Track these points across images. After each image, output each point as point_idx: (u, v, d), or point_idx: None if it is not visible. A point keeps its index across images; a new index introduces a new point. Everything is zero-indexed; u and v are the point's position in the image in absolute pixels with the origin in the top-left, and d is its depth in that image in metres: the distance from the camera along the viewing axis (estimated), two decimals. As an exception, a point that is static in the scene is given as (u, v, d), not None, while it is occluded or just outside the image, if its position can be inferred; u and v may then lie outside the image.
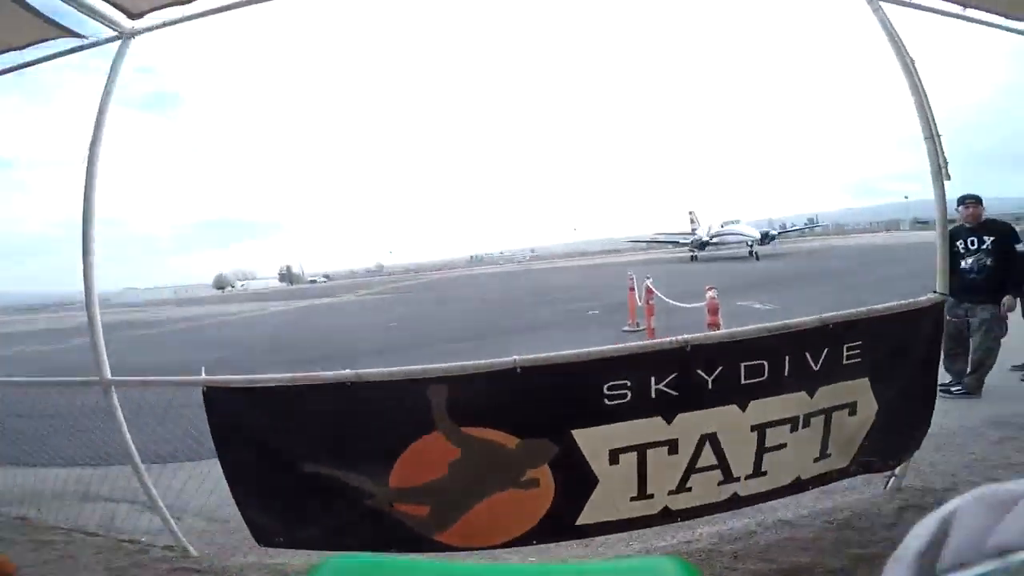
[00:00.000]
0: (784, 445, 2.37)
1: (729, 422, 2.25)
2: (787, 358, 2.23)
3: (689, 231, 38.04)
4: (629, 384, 2.11)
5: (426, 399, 2.15)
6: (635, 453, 2.24)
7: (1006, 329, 4.46)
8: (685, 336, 2.08)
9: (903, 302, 2.40)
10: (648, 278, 8.15)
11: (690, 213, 39.80)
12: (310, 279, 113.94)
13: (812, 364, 2.28)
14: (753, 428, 2.30)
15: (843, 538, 2.51)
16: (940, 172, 2.36)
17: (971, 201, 4.54)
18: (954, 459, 3.28)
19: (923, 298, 2.44)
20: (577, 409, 2.20)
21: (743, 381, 2.20)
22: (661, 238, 44.10)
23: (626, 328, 9.95)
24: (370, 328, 14.91)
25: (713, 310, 5.21)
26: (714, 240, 33.15)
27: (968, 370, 4.41)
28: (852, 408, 2.45)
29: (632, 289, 10.01)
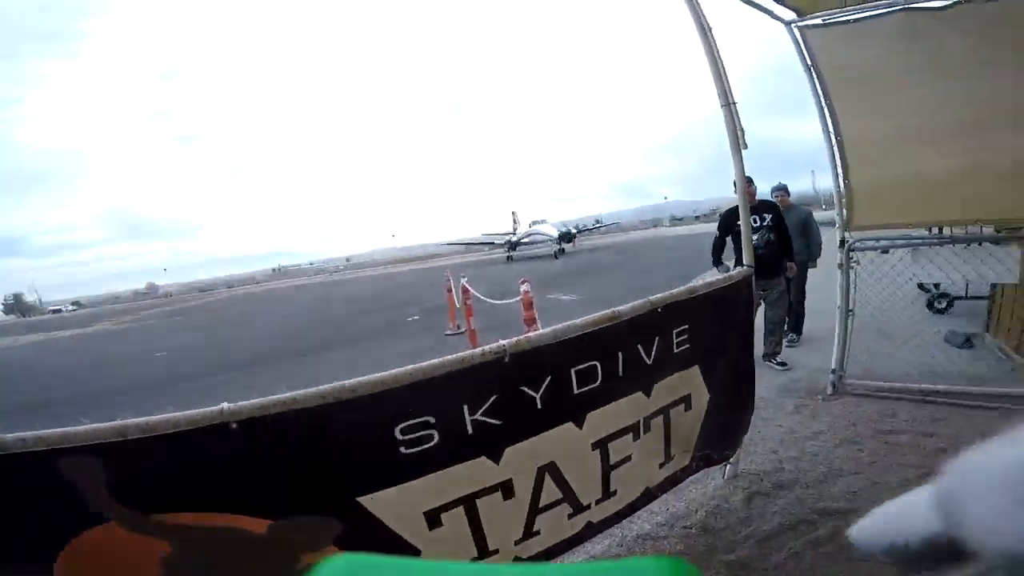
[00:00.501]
0: (629, 457, 2.02)
1: (567, 445, 1.79)
2: (620, 355, 1.85)
3: (512, 231, 39.08)
4: (434, 421, 1.46)
5: (68, 480, 1.21)
6: (462, 507, 1.63)
7: None
8: (503, 343, 1.52)
9: (719, 277, 2.25)
10: (463, 277, 7.73)
11: (513, 213, 40.94)
12: (52, 309, 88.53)
13: (645, 357, 1.94)
14: (595, 446, 1.89)
15: (708, 544, 2.32)
16: (738, 141, 2.26)
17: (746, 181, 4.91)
18: (768, 435, 3.42)
19: (735, 272, 2.34)
20: (359, 467, 1.47)
21: (576, 391, 1.74)
22: (477, 240, 44.96)
23: (448, 331, 9.47)
24: (126, 361, 11.67)
25: (528, 304, 4.96)
26: (525, 240, 34.87)
27: (774, 341, 4.87)
28: (687, 402, 2.23)
29: (450, 291, 9.55)
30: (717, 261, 5.22)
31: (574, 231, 34.62)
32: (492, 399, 1.53)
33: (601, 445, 1.92)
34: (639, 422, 2.03)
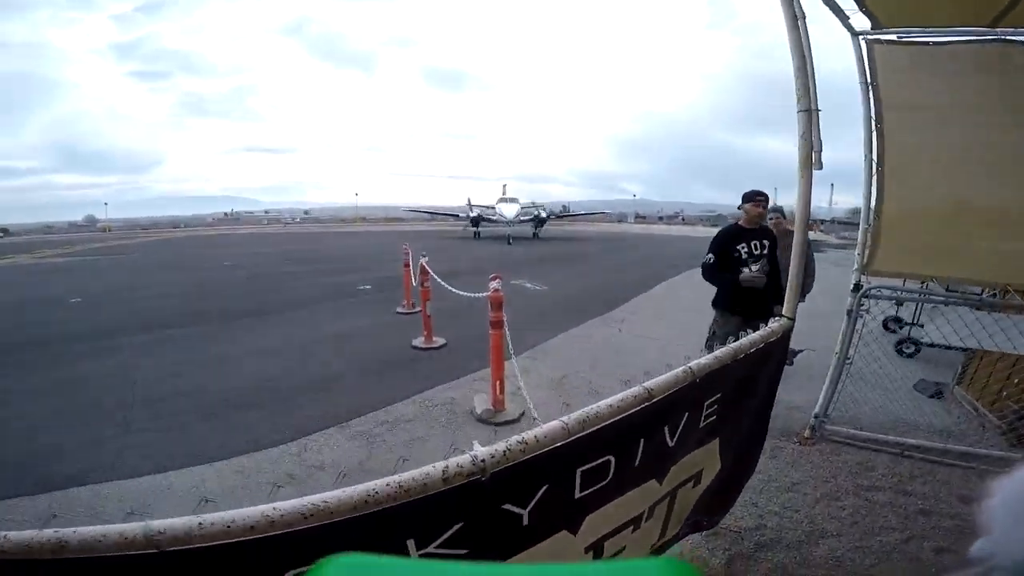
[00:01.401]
0: (624, 548, 1.53)
1: (556, 556, 1.26)
2: (641, 442, 1.33)
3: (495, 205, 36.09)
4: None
5: None
6: None
7: None
8: (478, 452, 0.93)
9: (760, 333, 1.76)
10: (423, 255, 7.00)
11: (504, 186, 38.40)
12: (-29, 233, 79.19)
13: (668, 440, 1.43)
14: (588, 548, 1.37)
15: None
16: (810, 155, 1.75)
17: (763, 199, 3.79)
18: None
19: (775, 325, 1.85)
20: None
21: (579, 494, 1.20)
22: (439, 210, 41.68)
23: (400, 309, 8.76)
24: (33, 305, 10.30)
25: (497, 304, 4.32)
26: (493, 218, 32.22)
27: None
28: (698, 478, 1.76)
29: (407, 265, 8.79)
30: (728, 303, 3.85)
31: (544, 215, 31.74)
32: (457, 527, 0.96)
33: (596, 546, 1.41)
34: (644, 512, 1.54)
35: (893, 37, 2.86)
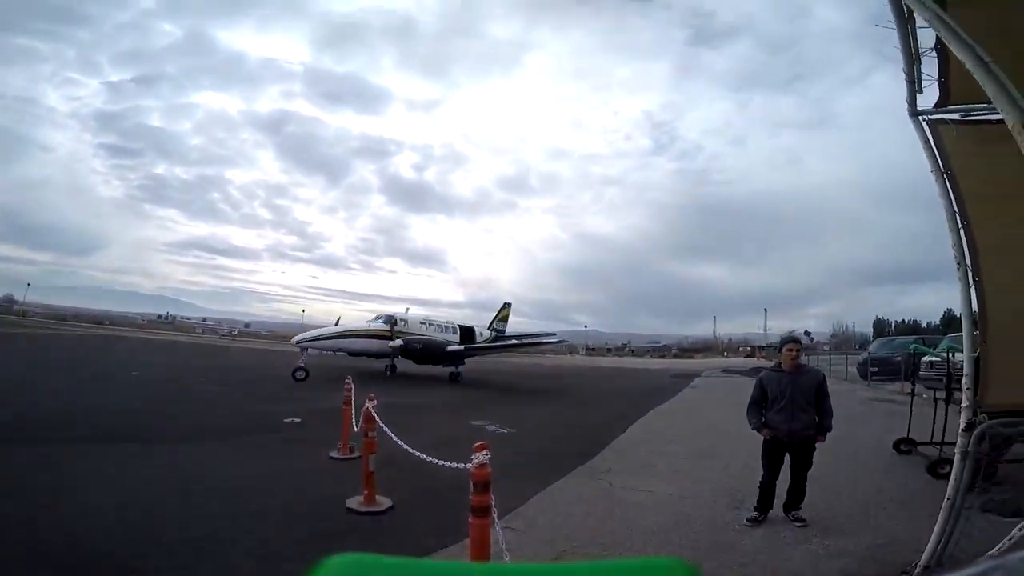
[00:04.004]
0: None
1: None
2: None
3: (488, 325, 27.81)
4: None
5: None
6: None
7: None
8: None
9: None
10: (371, 400, 5.37)
11: (507, 305, 30.93)
12: None
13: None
14: None
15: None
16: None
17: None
18: None
19: None
20: None
21: None
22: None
23: (334, 454, 6.87)
24: None
25: (483, 482, 2.86)
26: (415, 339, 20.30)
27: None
28: None
29: (347, 403, 7.02)
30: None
31: (415, 343, 19.88)
32: None
33: None
34: None
35: (957, 116, 2.52)
